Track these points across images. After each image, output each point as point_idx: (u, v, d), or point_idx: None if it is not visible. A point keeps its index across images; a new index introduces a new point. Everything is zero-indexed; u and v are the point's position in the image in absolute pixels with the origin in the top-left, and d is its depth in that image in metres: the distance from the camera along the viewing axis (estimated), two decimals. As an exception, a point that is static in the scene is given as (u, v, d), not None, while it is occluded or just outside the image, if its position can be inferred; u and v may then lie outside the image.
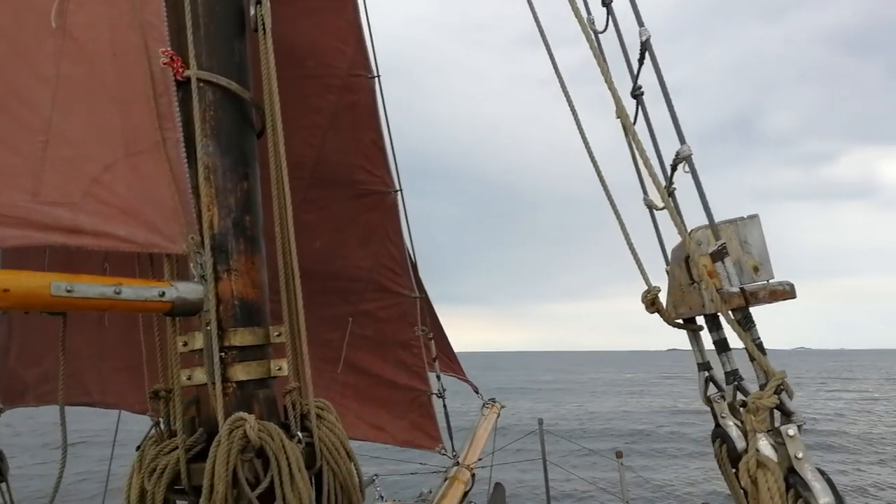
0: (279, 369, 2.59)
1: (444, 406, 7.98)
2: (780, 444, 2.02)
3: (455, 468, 7.60)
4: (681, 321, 2.57)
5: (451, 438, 7.96)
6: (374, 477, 8.10)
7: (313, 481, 2.53)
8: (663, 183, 2.34)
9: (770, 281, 2.11)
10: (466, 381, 9.82)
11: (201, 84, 2.55)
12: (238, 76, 2.64)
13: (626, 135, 2.40)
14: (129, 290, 2.18)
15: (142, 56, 2.46)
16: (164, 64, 2.45)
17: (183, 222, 2.39)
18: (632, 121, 2.41)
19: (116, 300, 2.16)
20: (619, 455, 8.24)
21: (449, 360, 9.24)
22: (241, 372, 2.49)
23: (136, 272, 2.68)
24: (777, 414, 2.06)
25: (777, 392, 2.02)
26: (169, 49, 2.48)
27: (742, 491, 2.26)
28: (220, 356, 2.43)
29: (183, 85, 2.53)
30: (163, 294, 2.28)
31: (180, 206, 2.39)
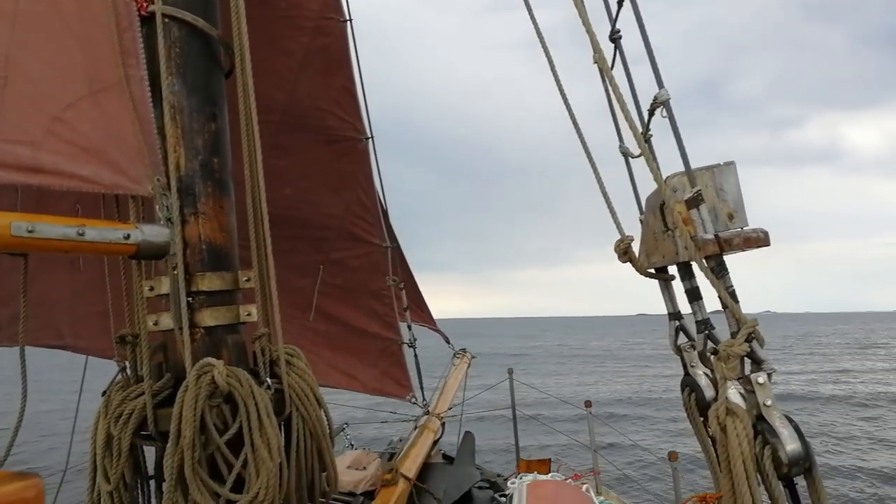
0: (248, 315, 2.55)
1: (415, 355, 8.02)
2: (749, 391, 2.03)
3: (425, 417, 7.68)
4: (653, 271, 2.57)
5: (422, 387, 8.02)
6: (345, 426, 8.16)
7: (282, 428, 2.52)
8: (640, 129, 2.30)
9: (744, 228, 2.10)
10: (437, 330, 9.89)
11: (166, 20, 2.45)
12: (205, 12, 2.55)
13: (603, 80, 2.35)
14: (92, 232, 2.12)
15: None
16: (128, -2, 2.36)
17: (148, 163, 2.32)
18: (609, 65, 2.37)
19: (79, 242, 2.10)
20: (587, 404, 8.35)
21: (420, 310, 9.28)
22: (208, 317, 2.44)
23: (102, 214, 2.61)
24: (747, 362, 2.07)
25: (748, 340, 2.02)
26: (132, -18, 2.38)
27: (710, 439, 2.28)
28: (188, 301, 2.38)
29: (147, 21, 2.44)
30: (128, 237, 2.22)
31: (145, 146, 2.32)
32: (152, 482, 2.53)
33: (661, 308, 2.63)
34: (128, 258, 2.39)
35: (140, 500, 2.50)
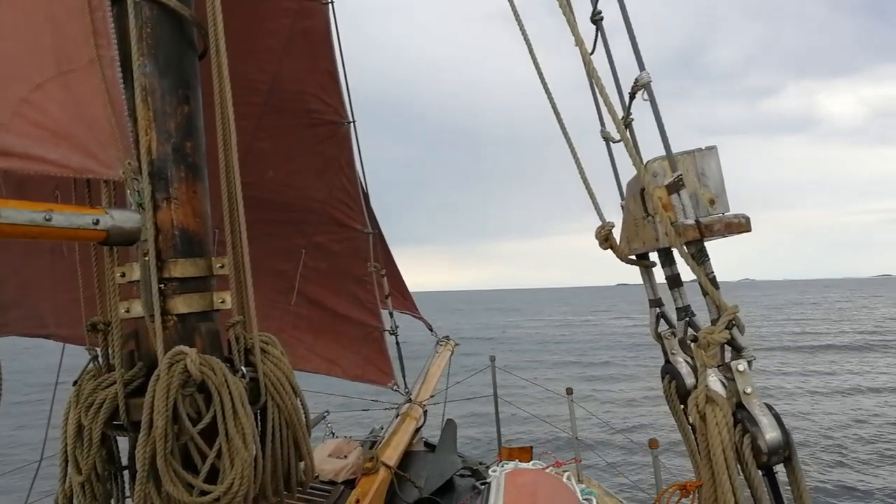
0: (222, 302, 2.50)
1: (397, 343, 8.00)
2: (729, 379, 2.02)
3: (407, 405, 7.67)
4: (634, 257, 2.55)
5: (404, 375, 8.01)
6: (326, 413, 8.13)
7: (258, 417, 2.48)
8: (621, 114, 2.27)
9: (725, 213, 2.07)
10: (420, 318, 9.87)
11: None
12: None
13: (585, 64, 2.31)
14: (60, 217, 2.06)
15: None
16: (98, -24, 2.29)
17: (119, 147, 2.26)
18: (590, 49, 2.32)
19: (47, 227, 2.04)
20: (569, 391, 8.36)
21: (403, 297, 9.26)
22: (181, 304, 2.40)
23: (73, 199, 2.56)
24: (728, 349, 2.05)
25: (729, 327, 2.00)
26: (102, -40, 2.31)
27: (690, 426, 2.27)
28: (160, 288, 2.33)
29: (118, 1, 2.37)
30: (97, 222, 2.16)
31: (117, 129, 2.26)
32: (125, 473, 2.48)
33: (638, 278, 2.62)
34: (98, 244, 2.34)
35: (113, 491, 2.46)
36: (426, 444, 7.68)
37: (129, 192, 2.30)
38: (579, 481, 7.08)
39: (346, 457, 5.72)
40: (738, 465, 1.98)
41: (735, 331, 2.03)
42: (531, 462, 6.77)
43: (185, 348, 2.25)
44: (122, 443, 2.46)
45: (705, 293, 2.09)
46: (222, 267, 2.50)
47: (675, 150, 2.14)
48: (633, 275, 2.65)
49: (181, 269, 2.39)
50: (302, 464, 2.64)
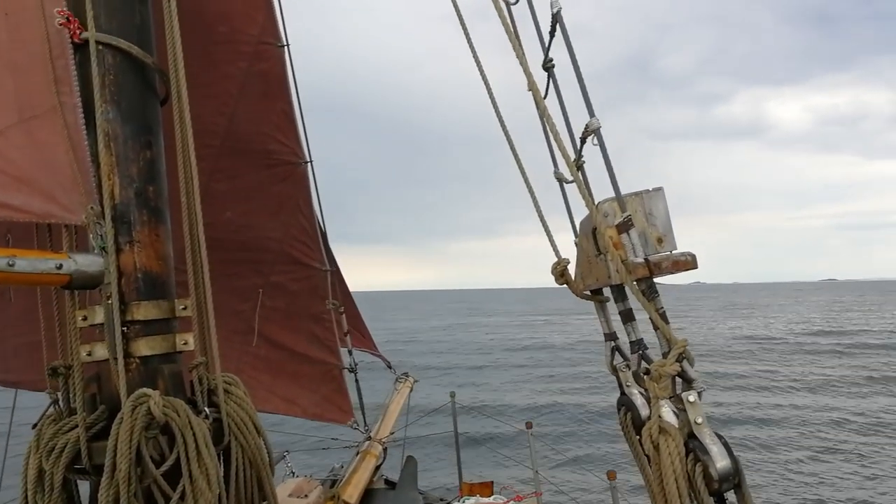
0: (185, 343, 2.52)
1: (357, 381, 7.98)
2: (681, 410, 2.09)
3: (367, 442, 7.63)
4: (588, 293, 2.62)
5: (363, 413, 7.98)
6: (286, 453, 8.06)
7: (221, 457, 2.49)
8: (572, 156, 2.36)
9: (673, 252, 2.16)
10: (379, 356, 9.84)
11: (100, 47, 2.42)
12: (139, 40, 2.53)
13: (538, 108, 2.41)
14: (23, 263, 2.08)
15: (37, 16, 2.33)
16: (60, 24, 2.33)
17: (82, 192, 2.29)
18: (542, 94, 2.42)
19: (9, 273, 2.06)
20: (528, 425, 8.41)
21: (361, 335, 9.23)
22: (144, 347, 2.41)
23: (35, 243, 2.56)
24: (679, 381, 2.12)
25: (679, 360, 2.08)
26: (65, 9, 2.35)
27: (646, 457, 2.33)
28: (123, 330, 2.34)
29: (81, 48, 2.41)
30: (60, 266, 2.18)
31: (79, 174, 2.29)
32: None
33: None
34: (61, 288, 2.35)
35: None
36: (387, 481, 7.65)
37: (91, 236, 2.32)
38: (540, 514, 7.12)
39: (306, 496, 5.69)
40: (691, 494, 2.05)
41: (685, 363, 2.11)
42: (492, 497, 6.78)
43: (149, 391, 2.26)
44: (83, 486, 2.45)
45: (656, 328, 2.17)
46: (185, 308, 2.52)
47: (622, 188, 2.23)
48: None
49: (144, 311, 2.41)
50: (265, 503, 2.65)
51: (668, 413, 2.12)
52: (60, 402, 2.44)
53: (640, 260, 2.13)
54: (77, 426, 2.29)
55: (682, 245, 2.19)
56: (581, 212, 2.63)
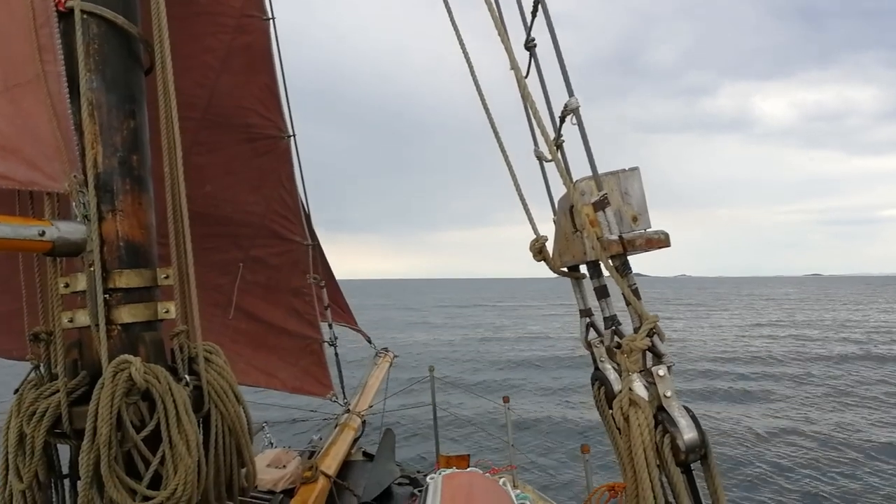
0: (166, 312, 2.55)
1: (336, 354, 8.03)
2: (651, 383, 2.15)
3: (346, 415, 7.70)
4: (565, 269, 2.68)
5: (343, 386, 8.04)
6: (264, 424, 8.12)
7: (201, 425, 2.53)
8: (552, 135, 2.41)
9: (647, 230, 2.22)
10: (359, 330, 9.90)
11: (85, 16, 2.43)
12: (124, 9, 2.54)
13: (519, 87, 2.45)
14: (5, 228, 2.10)
15: None
16: (45, -8, 2.33)
17: (65, 160, 2.30)
18: (524, 73, 2.46)
19: (-8, 238, 2.08)
20: (505, 400, 8.50)
21: (341, 309, 9.28)
22: (126, 314, 2.44)
23: (16, 211, 2.58)
24: (651, 356, 2.19)
25: (650, 335, 2.14)
26: (50, -23, 2.36)
27: (617, 430, 2.41)
28: (105, 298, 2.38)
29: (65, 16, 2.41)
30: (43, 233, 2.21)
31: (62, 143, 2.30)
32: (66, 481, 2.51)
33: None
34: (43, 255, 2.37)
35: (54, 498, 2.48)
36: (365, 453, 7.73)
37: (74, 204, 2.34)
38: (515, 486, 7.22)
39: (285, 466, 5.75)
40: (659, 464, 2.12)
41: (656, 338, 2.18)
42: (468, 469, 6.88)
43: (130, 357, 2.30)
44: (62, 451, 2.49)
45: (628, 303, 2.24)
46: (167, 277, 2.55)
47: (601, 170, 2.29)
48: None
49: (126, 279, 2.44)
50: (244, 470, 2.70)
51: (638, 387, 2.18)
52: (42, 368, 2.47)
53: (615, 237, 2.19)
54: (58, 391, 2.32)
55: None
56: (560, 190, 2.69)
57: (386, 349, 10.42)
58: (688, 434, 2.07)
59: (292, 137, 6.44)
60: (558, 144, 2.41)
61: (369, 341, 10.13)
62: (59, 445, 2.45)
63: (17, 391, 2.44)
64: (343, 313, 9.46)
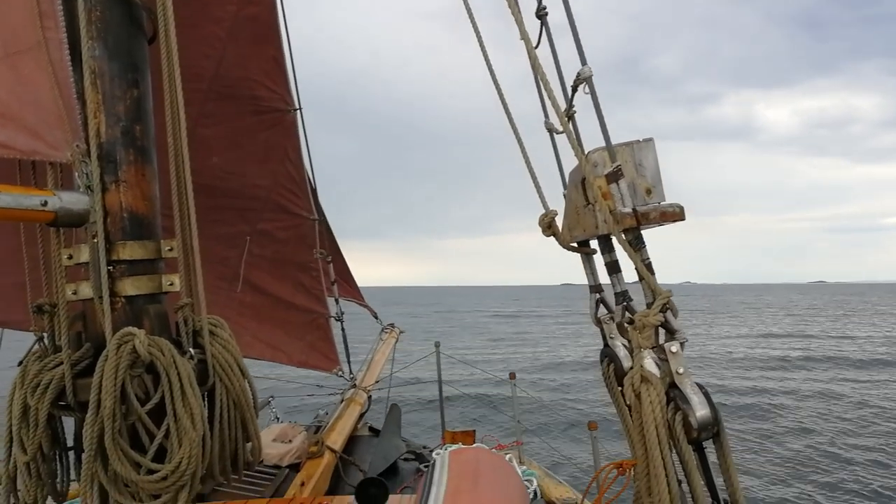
0: (171, 284, 2.53)
1: (343, 329, 8.02)
2: (663, 360, 2.12)
3: (352, 390, 7.70)
4: (575, 245, 2.63)
5: (349, 361, 8.04)
6: (270, 399, 8.12)
7: (206, 398, 2.51)
8: (563, 106, 2.35)
9: (661, 203, 2.17)
10: (365, 306, 9.89)
11: None
12: None
13: (529, 57, 2.39)
14: (7, 198, 2.07)
15: None
16: (46, -43, 2.28)
17: (67, 129, 2.27)
18: (535, 44, 2.40)
19: (-7, 207, 2.05)
20: (512, 376, 8.48)
21: (348, 285, 9.26)
22: (130, 286, 2.42)
23: (18, 181, 2.55)
24: (662, 332, 2.15)
25: (663, 310, 2.10)
26: (50, -59, 2.30)
27: (627, 407, 2.37)
28: (108, 270, 2.35)
29: None
30: (45, 203, 2.17)
31: (64, 111, 2.26)
32: (71, 453, 2.50)
33: (583, 278, 2.70)
34: (45, 225, 2.34)
35: (58, 470, 2.47)
36: (371, 429, 7.73)
37: (77, 174, 2.31)
38: (521, 463, 7.23)
39: (290, 441, 5.73)
40: (670, 442, 2.09)
41: (669, 314, 2.13)
42: (474, 445, 6.88)
43: (134, 329, 2.28)
44: (67, 423, 2.48)
45: (641, 278, 2.19)
46: (171, 250, 2.52)
47: (614, 142, 2.23)
48: (577, 274, 2.72)
49: (130, 251, 2.41)
50: (249, 444, 2.68)
51: (650, 363, 2.15)
52: (46, 340, 2.46)
53: (629, 210, 2.14)
54: (62, 363, 2.30)
55: (667, 247, 2.19)
56: (570, 164, 2.64)
57: (392, 325, 10.41)
58: (700, 411, 2.03)
59: (299, 111, 6.38)
60: (570, 115, 2.36)
61: (375, 317, 10.12)
62: (63, 418, 2.44)
63: (20, 363, 2.42)
64: (350, 288, 9.44)
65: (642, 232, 2.20)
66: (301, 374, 7.84)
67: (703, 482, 2.08)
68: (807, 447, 14.76)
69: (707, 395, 2.08)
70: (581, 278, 2.72)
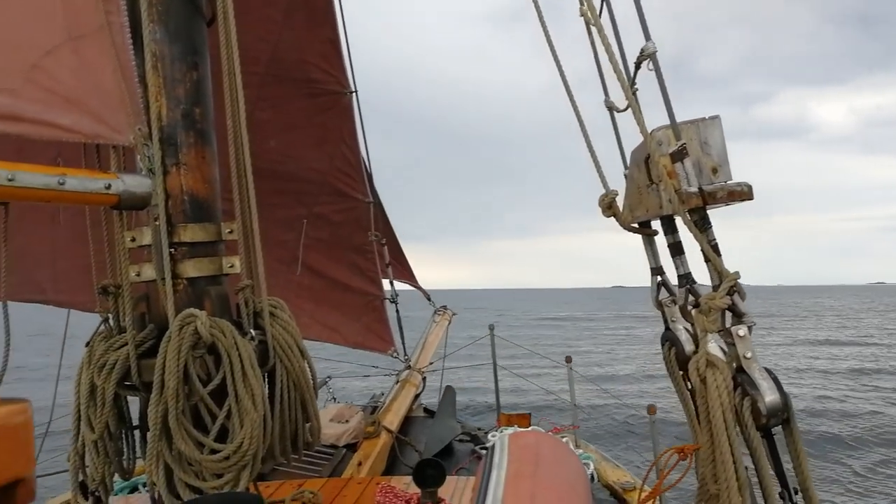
0: (231, 266, 2.55)
1: (397, 311, 8.06)
2: (729, 344, 2.05)
3: (406, 372, 7.74)
4: (636, 225, 2.57)
5: (403, 343, 8.07)
6: (327, 379, 8.22)
7: (266, 379, 2.53)
8: (627, 81, 2.29)
9: (728, 182, 2.09)
10: (419, 287, 9.92)
11: None
12: None
13: (589, 32, 2.33)
14: (73, 181, 2.10)
15: None
16: (108, -58, 2.30)
17: (130, 112, 2.29)
18: (597, 13, 2.33)
19: (60, 191, 2.08)
20: (568, 360, 8.42)
21: (402, 266, 9.30)
22: (191, 268, 2.44)
23: (83, 165, 2.59)
24: (728, 316, 2.09)
25: (730, 293, 2.04)
26: (112, -74, 2.32)
27: (689, 392, 2.31)
28: (170, 252, 2.37)
29: None
30: (109, 186, 2.20)
31: (127, 95, 2.29)
32: (136, 432, 2.54)
33: (637, 280, 2.64)
34: (109, 208, 2.37)
35: (124, 448, 2.52)
36: (425, 409, 7.78)
37: (139, 157, 2.34)
38: (577, 447, 7.19)
39: (347, 421, 5.80)
40: (737, 428, 2.03)
41: (736, 297, 2.06)
42: (529, 428, 6.85)
43: (196, 311, 2.30)
44: (132, 403, 2.52)
45: (707, 260, 2.12)
46: (231, 232, 2.54)
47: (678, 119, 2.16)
48: (629, 277, 2.65)
49: (191, 233, 2.43)
50: (308, 425, 2.70)
51: (715, 347, 2.09)
52: (111, 321, 2.50)
53: (695, 189, 2.07)
54: (127, 344, 2.34)
55: (722, 248, 2.12)
56: (629, 144, 2.57)
57: (444, 307, 10.42)
58: (769, 396, 1.97)
59: (354, 93, 6.38)
60: (633, 91, 2.29)
61: (428, 298, 10.14)
62: (129, 398, 2.48)
63: (87, 343, 2.47)
64: (404, 270, 9.47)
65: (708, 213, 2.13)
66: (356, 356, 7.90)
67: (771, 470, 2.02)
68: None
69: (776, 380, 2.01)
70: (633, 281, 2.66)
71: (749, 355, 2.01)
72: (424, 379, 7.98)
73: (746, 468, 2.04)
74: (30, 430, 1.09)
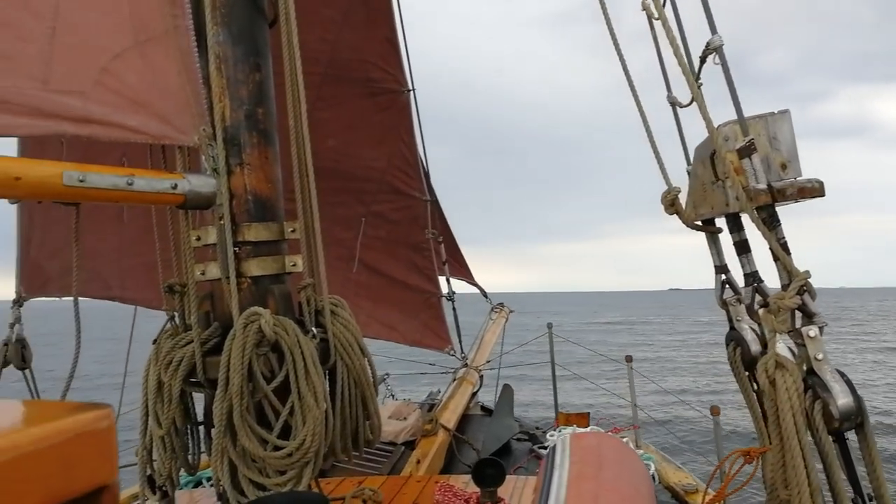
0: (294, 265, 2.57)
1: (454, 309, 8.06)
2: (798, 345, 1.99)
3: (464, 369, 7.74)
4: (700, 223, 2.52)
5: (460, 340, 8.07)
6: (386, 375, 8.27)
7: (327, 376, 2.55)
8: (692, 75, 2.23)
9: (798, 178, 2.03)
10: (476, 285, 9.91)
11: None
12: None
13: (651, 27, 2.28)
14: (141, 182, 2.14)
15: None
16: (173, -53, 2.34)
17: (195, 113, 2.33)
18: (661, 3, 2.29)
19: (128, 191, 2.13)
20: (628, 359, 8.31)
21: (458, 264, 9.30)
22: (255, 267, 2.47)
23: (149, 166, 2.64)
24: (797, 316, 2.03)
25: (800, 293, 1.98)
26: (177, -68, 2.36)
27: (755, 394, 2.26)
28: (234, 251, 2.41)
29: None
30: (175, 186, 2.24)
31: (191, 96, 2.33)
32: (201, 428, 2.59)
33: (693, 282, 2.57)
34: (175, 208, 2.42)
35: (190, 444, 2.57)
36: (482, 408, 7.77)
37: (203, 157, 2.37)
38: (637, 447, 7.09)
39: (405, 419, 5.82)
40: (808, 431, 1.97)
41: (806, 296, 2.00)
42: (588, 427, 6.79)
43: (260, 309, 2.33)
44: (198, 399, 2.57)
45: (776, 258, 2.06)
46: (293, 231, 2.57)
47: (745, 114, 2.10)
48: (685, 279, 2.57)
49: (255, 232, 2.46)
50: (369, 422, 2.71)
51: (783, 348, 2.03)
52: (177, 319, 2.55)
53: (763, 186, 2.01)
54: (192, 341, 2.38)
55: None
56: (691, 140, 2.52)
57: (501, 304, 10.38)
58: (842, 399, 1.91)
59: (412, 92, 6.40)
60: (698, 86, 2.24)
61: (485, 296, 10.12)
62: (194, 394, 2.53)
63: (154, 341, 2.52)
64: (461, 268, 9.48)
65: (777, 210, 2.07)
66: (414, 353, 7.93)
67: (844, 475, 1.95)
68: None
69: (849, 383, 1.94)
70: (689, 283, 2.59)
71: (820, 357, 1.95)
72: (481, 377, 7.98)
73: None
74: (114, 435, 1.10)
